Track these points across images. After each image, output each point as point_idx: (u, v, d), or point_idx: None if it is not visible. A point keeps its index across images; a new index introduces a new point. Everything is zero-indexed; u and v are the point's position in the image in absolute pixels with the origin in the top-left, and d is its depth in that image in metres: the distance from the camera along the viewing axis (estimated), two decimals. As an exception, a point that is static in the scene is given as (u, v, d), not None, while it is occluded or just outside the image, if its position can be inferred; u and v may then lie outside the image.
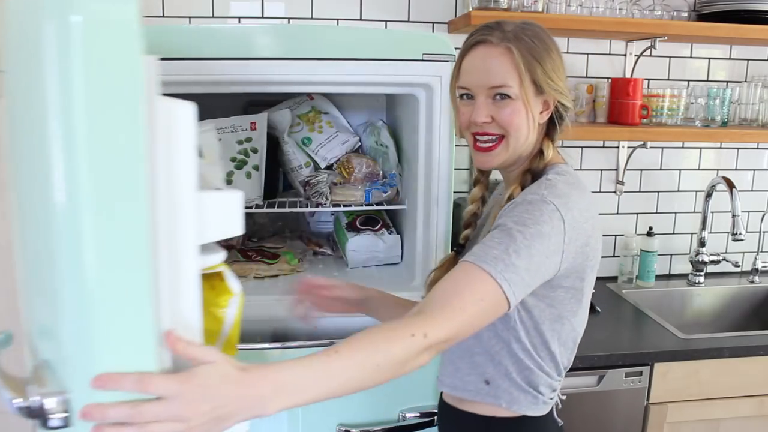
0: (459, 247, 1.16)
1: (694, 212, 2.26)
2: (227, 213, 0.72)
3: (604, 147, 2.17)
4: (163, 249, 0.64)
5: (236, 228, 0.73)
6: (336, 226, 1.85)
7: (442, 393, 1.18)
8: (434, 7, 1.96)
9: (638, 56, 2.07)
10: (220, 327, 0.78)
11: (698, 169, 2.24)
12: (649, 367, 1.64)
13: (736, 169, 2.26)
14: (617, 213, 2.21)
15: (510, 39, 0.99)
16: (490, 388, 1.05)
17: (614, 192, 2.19)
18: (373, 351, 0.77)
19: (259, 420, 1.43)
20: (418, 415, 1.38)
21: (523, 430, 1.06)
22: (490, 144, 1.03)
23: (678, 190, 2.25)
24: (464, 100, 1.05)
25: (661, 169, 2.22)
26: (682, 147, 2.22)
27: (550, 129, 1.08)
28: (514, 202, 0.98)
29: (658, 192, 2.24)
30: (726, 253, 2.26)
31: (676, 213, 2.27)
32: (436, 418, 1.28)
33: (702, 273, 2.18)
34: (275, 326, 1.42)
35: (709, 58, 2.16)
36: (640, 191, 2.22)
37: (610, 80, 2.04)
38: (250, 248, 1.69)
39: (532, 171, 1.05)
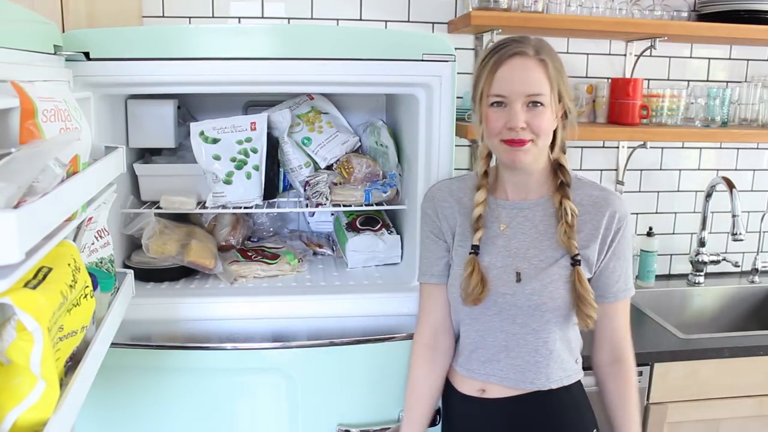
0: (475, 248, 1.21)
1: (694, 212, 2.26)
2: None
3: (604, 147, 2.17)
4: None
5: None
6: (336, 226, 1.85)
7: (478, 395, 1.25)
8: (434, 7, 1.96)
9: (638, 56, 2.07)
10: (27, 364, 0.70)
11: (698, 169, 2.24)
12: (649, 367, 1.64)
13: (736, 169, 2.26)
14: (617, 213, 2.22)
15: (541, 52, 1.12)
16: (577, 364, 1.26)
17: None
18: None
19: (259, 420, 1.44)
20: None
21: (582, 387, 1.28)
22: (521, 141, 1.13)
23: (678, 190, 2.25)
24: (495, 107, 1.14)
25: (661, 169, 2.22)
26: (682, 147, 2.22)
27: (559, 135, 1.20)
28: (621, 222, 1.19)
29: (658, 192, 2.24)
30: (726, 253, 2.26)
31: (676, 213, 2.27)
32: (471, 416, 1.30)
33: (702, 273, 2.19)
34: (275, 326, 1.42)
35: (709, 58, 2.17)
36: (640, 191, 2.23)
37: (610, 80, 2.05)
38: (250, 248, 1.69)
39: (569, 183, 1.20)
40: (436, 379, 1.29)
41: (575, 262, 1.16)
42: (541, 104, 1.11)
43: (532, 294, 1.16)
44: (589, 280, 1.20)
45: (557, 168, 1.21)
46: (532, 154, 1.14)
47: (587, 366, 1.29)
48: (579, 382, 1.25)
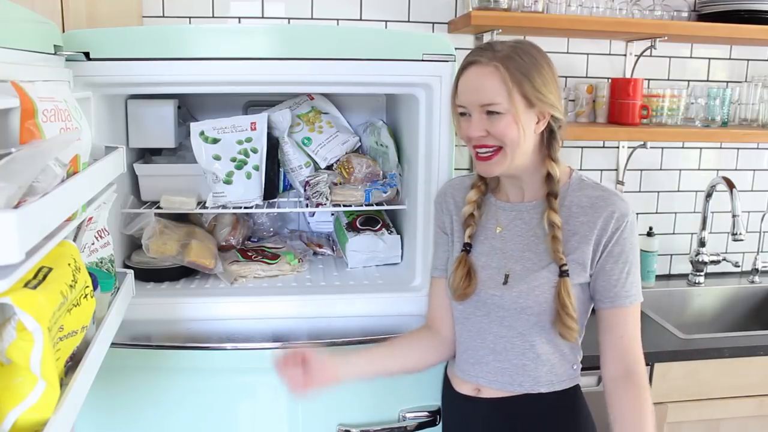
0: (467, 246, 1.22)
1: (694, 212, 2.26)
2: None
3: (604, 147, 2.17)
4: None
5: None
6: (336, 226, 1.85)
7: (473, 395, 1.24)
8: (434, 7, 1.96)
9: (638, 56, 2.07)
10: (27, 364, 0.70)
11: (698, 169, 2.24)
12: (649, 367, 1.64)
13: (736, 169, 2.26)
14: (617, 213, 2.22)
15: (499, 58, 1.08)
16: (574, 370, 1.22)
17: (614, 192, 2.20)
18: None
19: (259, 420, 1.43)
20: (418, 415, 1.38)
21: (580, 392, 1.25)
22: (489, 154, 1.13)
23: (678, 190, 2.25)
24: (463, 117, 1.15)
25: (661, 169, 2.22)
26: (682, 147, 2.22)
27: (550, 142, 1.16)
28: (620, 222, 1.13)
29: (658, 192, 2.24)
30: (726, 253, 2.26)
31: (676, 213, 2.27)
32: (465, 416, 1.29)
33: (702, 273, 2.19)
34: (275, 326, 1.42)
35: (709, 58, 2.17)
36: (640, 191, 2.23)
37: (610, 80, 2.05)
38: (250, 248, 1.69)
39: (555, 193, 1.15)
40: (424, 345, 1.28)
41: (562, 273, 1.13)
42: (498, 112, 1.08)
43: (518, 297, 1.15)
44: (588, 284, 1.17)
45: (548, 176, 1.17)
46: (500, 165, 1.12)
47: (587, 366, 1.28)
48: (577, 387, 1.24)
